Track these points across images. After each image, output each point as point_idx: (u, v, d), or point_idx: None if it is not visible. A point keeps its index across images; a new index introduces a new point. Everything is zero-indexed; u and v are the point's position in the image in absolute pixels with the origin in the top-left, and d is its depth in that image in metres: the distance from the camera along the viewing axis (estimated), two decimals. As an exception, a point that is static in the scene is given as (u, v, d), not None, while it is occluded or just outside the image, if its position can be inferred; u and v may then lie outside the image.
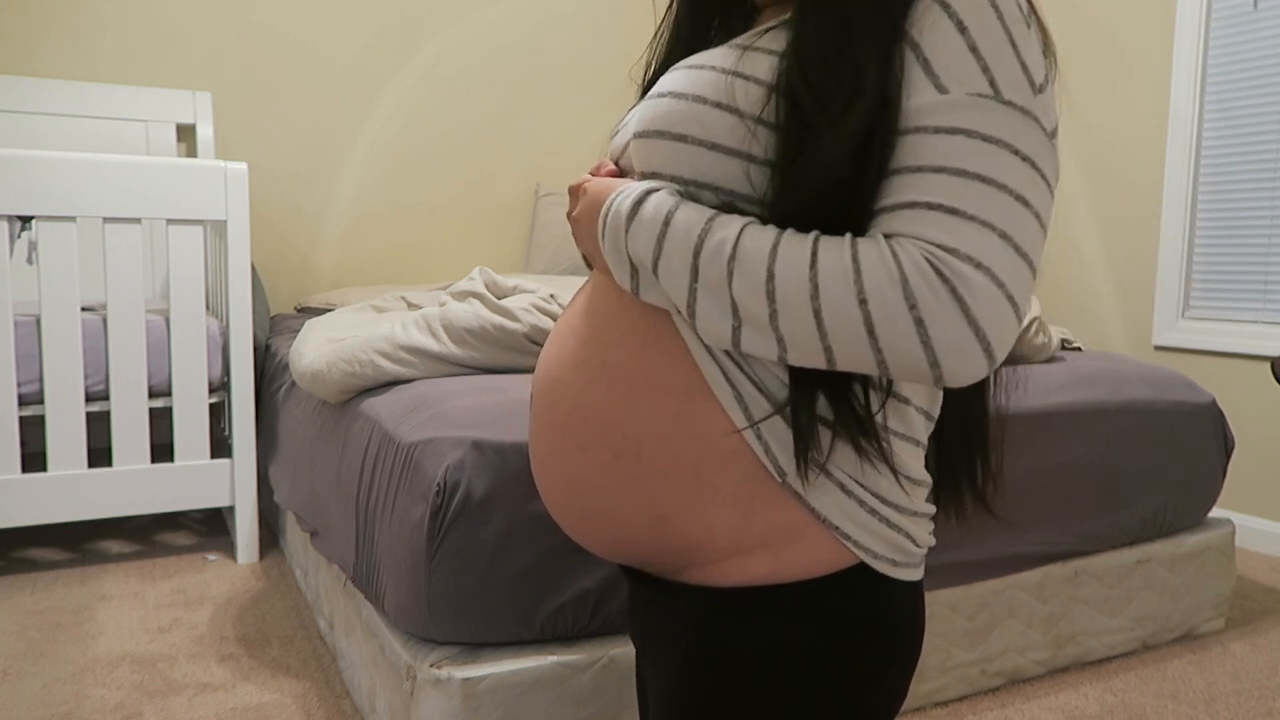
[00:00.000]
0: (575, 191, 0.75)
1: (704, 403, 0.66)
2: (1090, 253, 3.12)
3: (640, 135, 0.69)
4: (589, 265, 0.77)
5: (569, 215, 0.76)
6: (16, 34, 2.78)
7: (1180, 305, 2.83)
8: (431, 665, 1.20)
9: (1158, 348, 2.91)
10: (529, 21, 3.46)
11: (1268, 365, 2.63)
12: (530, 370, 1.60)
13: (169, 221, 2.15)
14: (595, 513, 0.72)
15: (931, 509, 0.72)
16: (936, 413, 0.73)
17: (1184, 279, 2.82)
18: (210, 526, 2.61)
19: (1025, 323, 1.84)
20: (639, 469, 0.68)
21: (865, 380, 0.65)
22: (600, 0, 3.55)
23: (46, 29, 2.81)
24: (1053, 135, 0.61)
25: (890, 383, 0.67)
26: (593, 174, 0.76)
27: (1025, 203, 0.58)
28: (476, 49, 3.39)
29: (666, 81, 0.69)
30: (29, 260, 2.18)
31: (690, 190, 0.66)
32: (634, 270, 0.67)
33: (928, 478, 0.72)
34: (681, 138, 0.66)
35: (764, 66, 0.64)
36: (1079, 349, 2.17)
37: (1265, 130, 2.63)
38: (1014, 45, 0.60)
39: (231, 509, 2.34)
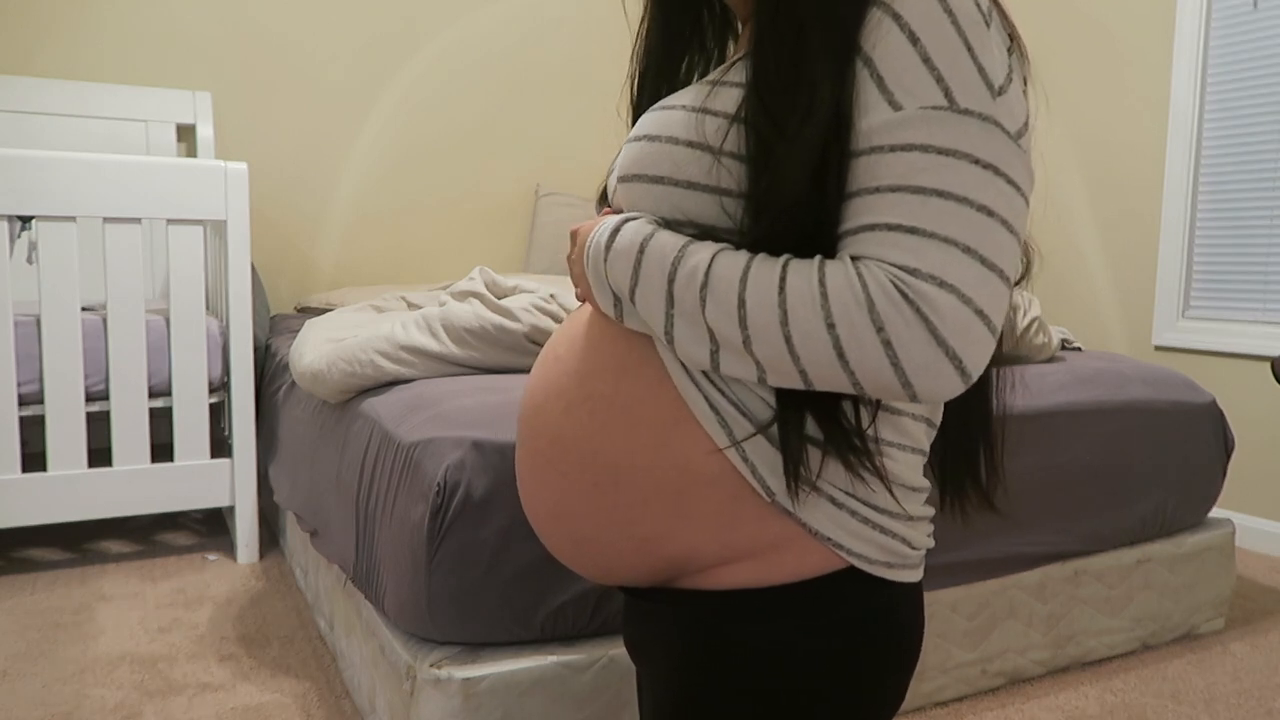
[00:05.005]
0: (574, 235, 0.76)
1: (685, 430, 0.66)
2: (1090, 253, 3.12)
3: (621, 179, 0.70)
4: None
5: (568, 258, 0.77)
6: (16, 34, 2.78)
7: (1180, 305, 2.83)
8: (431, 665, 1.20)
9: (1158, 348, 2.91)
10: (528, 22, 3.46)
11: (1268, 365, 2.63)
12: (530, 370, 1.60)
13: (169, 221, 2.15)
14: (580, 539, 0.73)
15: (930, 511, 0.72)
16: (939, 419, 0.73)
17: (1184, 279, 2.82)
18: (210, 526, 2.61)
19: (1025, 323, 1.84)
20: (619, 497, 0.69)
21: (855, 397, 0.65)
22: (599, 1, 3.55)
23: (46, 29, 2.81)
24: (1019, 136, 0.60)
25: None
26: None
27: (989, 212, 0.57)
28: (476, 49, 3.39)
29: (643, 124, 0.71)
30: (29, 260, 2.18)
31: (671, 226, 0.67)
32: (616, 299, 0.68)
33: (926, 483, 0.72)
34: (658, 179, 0.66)
35: (731, 100, 0.65)
36: (1079, 349, 2.17)
37: (1265, 130, 2.63)
38: (970, 50, 0.59)
39: (231, 509, 2.34)
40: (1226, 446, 1.92)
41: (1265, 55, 2.62)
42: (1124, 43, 2.98)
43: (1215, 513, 2.70)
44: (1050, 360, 1.91)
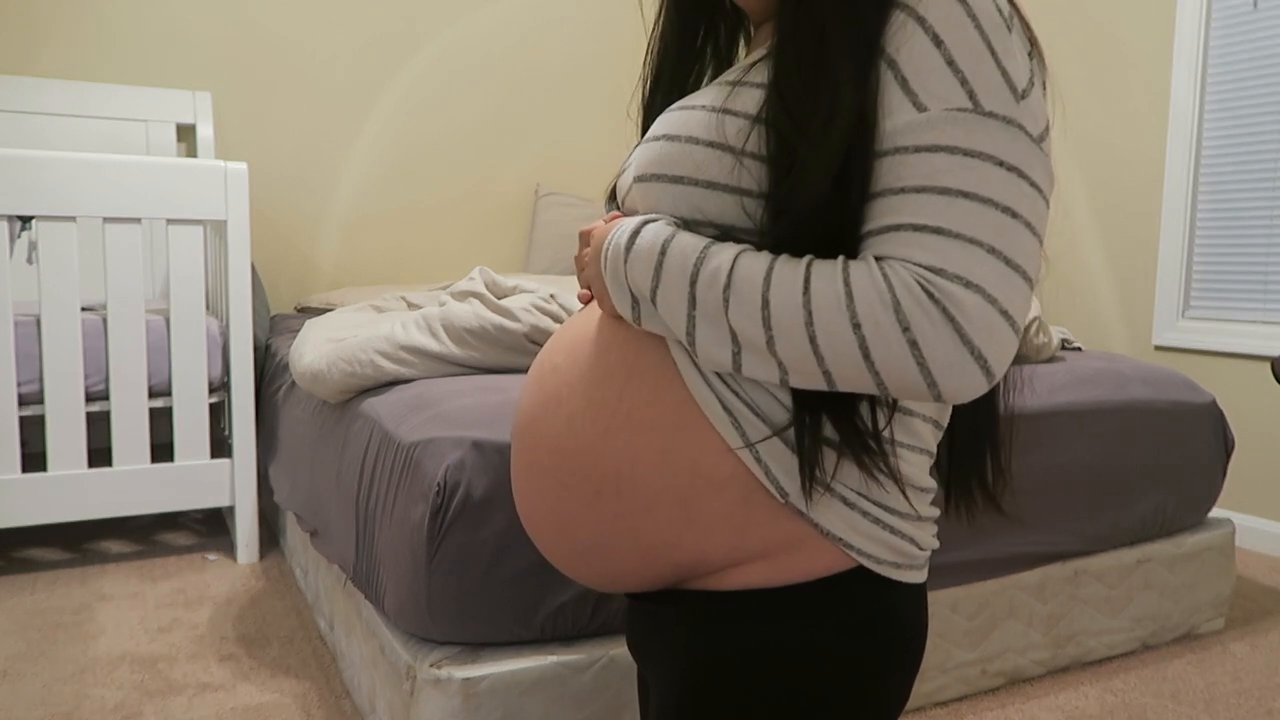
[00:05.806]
0: (584, 236, 0.76)
1: (693, 434, 0.66)
2: (1090, 253, 3.12)
3: (639, 179, 0.70)
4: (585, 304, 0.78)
5: (577, 258, 0.76)
6: (16, 34, 2.78)
7: (1180, 305, 2.83)
8: (431, 665, 1.20)
9: (1158, 348, 2.91)
10: (528, 22, 3.46)
11: (1268, 365, 2.63)
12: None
13: (169, 221, 2.15)
14: (585, 549, 0.72)
15: (935, 512, 0.72)
16: (946, 420, 0.73)
17: (1184, 279, 2.82)
18: (210, 526, 2.61)
19: (1025, 322, 1.84)
20: (623, 505, 0.68)
21: (871, 399, 0.65)
22: (599, 1, 3.55)
23: (47, 29, 2.81)
24: (1041, 139, 0.61)
25: (896, 399, 0.67)
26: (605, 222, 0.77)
27: (1013, 214, 0.58)
28: (476, 49, 3.39)
29: (662, 124, 0.70)
30: (29, 260, 2.18)
31: (690, 227, 0.67)
32: (635, 301, 0.67)
33: (933, 484, 0.72)
34: (678, 179, 0.66)
35: (752, 101, 0.65)
36: (1079, 349, 2.17)
37: (1265, 130, 2.63)
38: (993, 53, 0.59)
39: (231, 509, 2.34)
40: (1226, 446, 1.92)
41: (1265, 55, 2.62)
42: (1124, 43, 2.98)
43: (1215, 513, 2.70)
44: (1050, 360, 1.91)
